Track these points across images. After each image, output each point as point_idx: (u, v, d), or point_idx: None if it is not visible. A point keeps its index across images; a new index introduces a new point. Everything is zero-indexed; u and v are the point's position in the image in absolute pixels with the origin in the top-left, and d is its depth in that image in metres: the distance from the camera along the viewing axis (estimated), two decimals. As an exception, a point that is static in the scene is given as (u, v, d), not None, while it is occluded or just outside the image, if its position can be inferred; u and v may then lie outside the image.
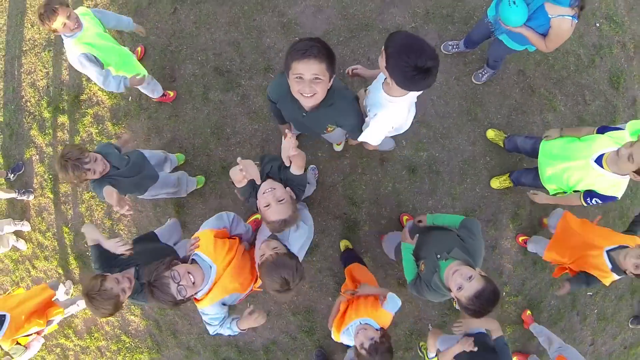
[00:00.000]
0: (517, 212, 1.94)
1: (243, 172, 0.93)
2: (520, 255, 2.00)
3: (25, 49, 2.28)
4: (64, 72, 2.15)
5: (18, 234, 2.21)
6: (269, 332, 1.99)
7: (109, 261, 1.14)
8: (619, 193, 1.11)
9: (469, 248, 1.05)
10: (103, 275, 1.04)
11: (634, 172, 0.97)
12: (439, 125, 1.88)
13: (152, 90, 1.74)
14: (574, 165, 1.13)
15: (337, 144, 1.83)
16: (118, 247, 1.14)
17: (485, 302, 0.89)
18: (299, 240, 1.07)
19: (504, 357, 1.17)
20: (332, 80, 0.88)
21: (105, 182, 1.24)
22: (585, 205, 1.20)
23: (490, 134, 1.85)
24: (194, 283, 0.92)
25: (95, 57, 1.33)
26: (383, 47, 0.84)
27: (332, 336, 1.26)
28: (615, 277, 1.38)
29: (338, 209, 1.90)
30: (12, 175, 2.15)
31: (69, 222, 2.12)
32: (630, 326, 2.37)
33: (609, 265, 1.35)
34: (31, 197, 2.17)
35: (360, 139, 1.11)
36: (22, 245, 2.23)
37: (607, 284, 1.40)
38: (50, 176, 2.13)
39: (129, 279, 1.09)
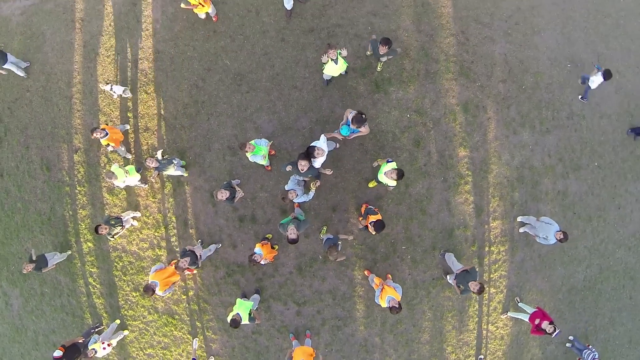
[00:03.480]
0: (379, 201, 6.07)
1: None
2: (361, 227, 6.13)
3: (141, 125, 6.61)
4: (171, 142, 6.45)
5: (134, 217, 6.53)
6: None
7: None
8: (392, 184, 5.13)
9: (300, 225, 5.12)
10: None
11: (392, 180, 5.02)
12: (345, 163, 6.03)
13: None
14: (381, 176, 5.19)
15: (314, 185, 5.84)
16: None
17: (293, 242, 4.93)
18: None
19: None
20: (312, 163, 4.90)
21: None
22: (389, 189, 5.34)
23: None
24: None
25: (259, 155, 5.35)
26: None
27: None
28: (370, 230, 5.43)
29: (318, 210, 6.10)
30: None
31: (163, 210, 6.42)
32: (439, 257, 6.43)
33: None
34: (146, 186, 6.44)
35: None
36: (135, 222, 6.55)
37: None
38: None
39: None
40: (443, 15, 6.67)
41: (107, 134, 5.71)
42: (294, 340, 6.14)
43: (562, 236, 5.64)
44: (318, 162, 4.99)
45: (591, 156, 7.23)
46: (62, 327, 7.55)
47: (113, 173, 5.53)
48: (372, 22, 6.41)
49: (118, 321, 6.99)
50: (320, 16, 6.42)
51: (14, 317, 7.78)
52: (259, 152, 5.26)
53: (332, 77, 5.80)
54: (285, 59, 6.31)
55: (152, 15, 6.79)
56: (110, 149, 6.13)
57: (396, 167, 4.99)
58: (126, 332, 6.97)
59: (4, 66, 6.61)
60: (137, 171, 5.91)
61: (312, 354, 5.17)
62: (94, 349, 5.95)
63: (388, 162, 5.14)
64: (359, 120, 4.76)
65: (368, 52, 6.20)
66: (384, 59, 5.50)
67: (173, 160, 5.79)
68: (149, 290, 5.14)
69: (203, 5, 5.82)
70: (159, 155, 6.31)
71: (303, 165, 4.70)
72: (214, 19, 6.41)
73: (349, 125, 5.07)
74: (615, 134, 7.42)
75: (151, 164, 5.44)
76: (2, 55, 6.55)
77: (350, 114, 5.01)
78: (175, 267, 5.37)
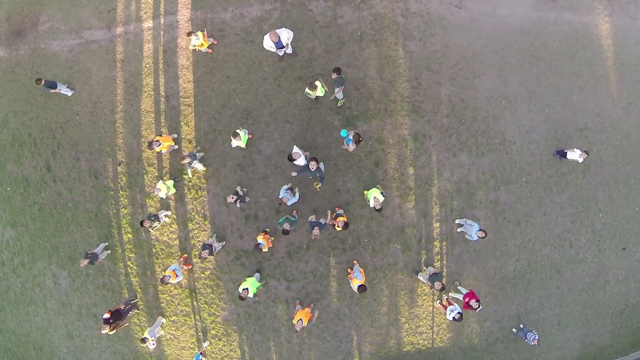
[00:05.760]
0: (347, 205, 10.15)
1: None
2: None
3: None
4: (183, 160, 10.60)
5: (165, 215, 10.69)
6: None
7: None
8: (371, 204, 9.22)
9: (292, 224, 9.19)
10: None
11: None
12: (339, 181, 10.08)
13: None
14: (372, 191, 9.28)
15: (317, 186, 10.02)
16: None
17: (286, 233, 9.02)
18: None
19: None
20: (319, 164, 9.06)
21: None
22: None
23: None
24: None
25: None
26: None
27: None
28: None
29: (303, 211, 10.21)
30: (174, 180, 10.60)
31: (189, 210, 10.54)
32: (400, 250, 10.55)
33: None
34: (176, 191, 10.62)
35: None
36: (167, 219, 10.71)
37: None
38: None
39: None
40: (401, 65, 10.69)
41: (160, 143, 9.69)
42: (298, 305, 10.18)
43: (483, 235, 9.63)
44: (301, 160, 9.08)
45: (520, 173, 11.25)
46: (102, 301, 11.72)
47: (160, 189, 9.60)
48: (346, 72, 10.47)
49: (162, 318, 11.04)
50: (307, 67, 10.46)
51: (61, 294, 11.98)
52: (244, 141, 9.39)
53: (318, 97, 9.77)
54: (281, 100, 10.38)
55: (179, 61, 10.88)
56: (164, 152, 10.11)
57: (381, 197, 9.03)
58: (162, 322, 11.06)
59: (56, 89, 10.66)
60: (174, 188, 10.04)
61: (308, 313, 9.19)
62: (145, 337, 9.93)
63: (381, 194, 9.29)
64: (355, 138, 8.70)
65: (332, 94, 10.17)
66: (340, 95, 9.52)
67: (196, 154, 9.86)
68: (164, 283, 9.32)
69: (204, 45, 9.81)
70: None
71: (313, 165, 8.74)
72: (214, 42, 10.65)
73: (347, 134, 9.18)
74: (542, 156, 11.44)
75: (185, 160, 9.61)
76: (52, 83, 10.61)
77: (351, 132, 8.99)
78: (199, 258, 9.40)
